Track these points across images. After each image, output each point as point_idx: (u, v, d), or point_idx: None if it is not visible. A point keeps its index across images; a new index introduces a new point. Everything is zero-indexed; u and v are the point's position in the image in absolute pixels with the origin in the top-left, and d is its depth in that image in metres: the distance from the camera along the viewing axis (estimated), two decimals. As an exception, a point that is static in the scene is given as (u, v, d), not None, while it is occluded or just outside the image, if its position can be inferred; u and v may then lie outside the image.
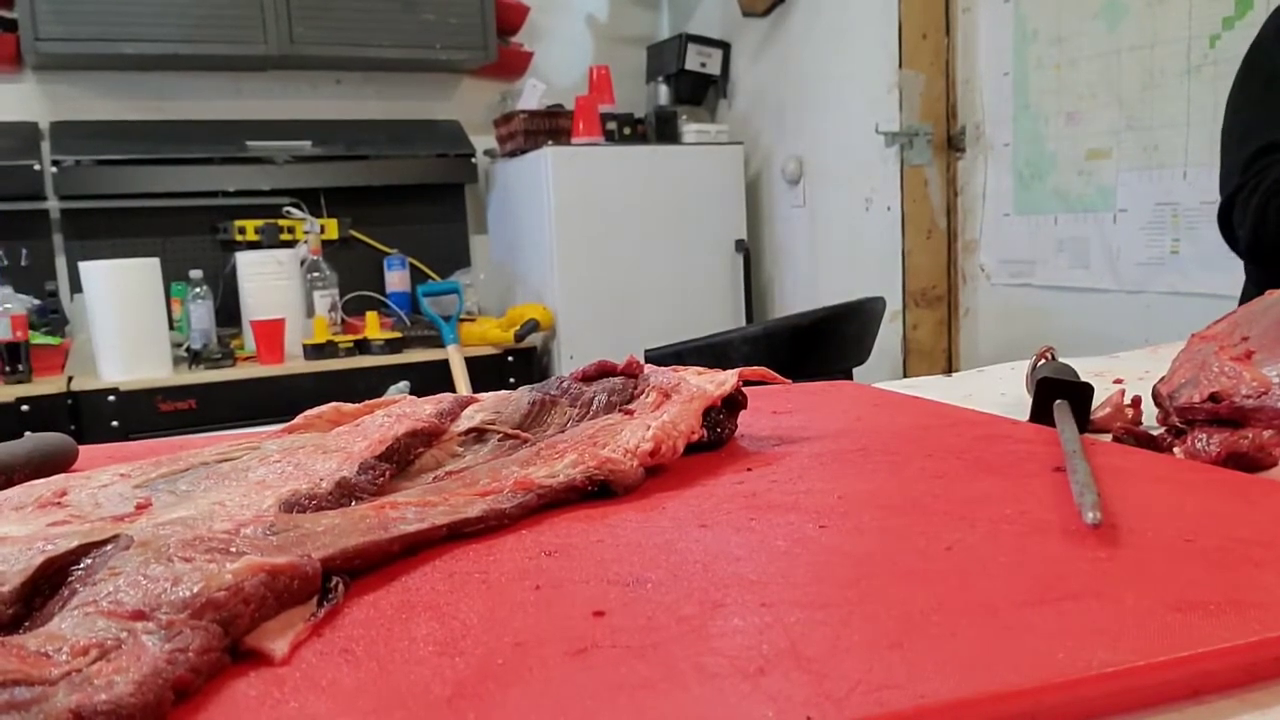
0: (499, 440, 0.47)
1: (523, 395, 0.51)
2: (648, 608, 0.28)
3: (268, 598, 0.27)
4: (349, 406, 0.50)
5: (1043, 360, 0.70)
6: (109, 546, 0.29)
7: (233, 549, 0.29)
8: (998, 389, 0.76)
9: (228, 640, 0.26)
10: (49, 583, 0.28)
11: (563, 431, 0.48)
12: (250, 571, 0.27)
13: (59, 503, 0.36)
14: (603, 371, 0.54)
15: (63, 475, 0.39)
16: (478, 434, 0.47)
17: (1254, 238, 1.27)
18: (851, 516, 0.38)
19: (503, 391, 0.53)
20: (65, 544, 0.28)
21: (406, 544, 0.34)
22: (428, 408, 0.47)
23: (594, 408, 0.50)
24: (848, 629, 0.26)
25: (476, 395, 0.52)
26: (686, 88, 3.32)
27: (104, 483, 0.38)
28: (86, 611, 0.25)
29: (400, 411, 0.47)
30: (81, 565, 0.28)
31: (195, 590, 0.26)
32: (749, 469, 0.47)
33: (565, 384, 0.52)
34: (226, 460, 0.41)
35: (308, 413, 0.49)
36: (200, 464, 0.41)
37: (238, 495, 0.35)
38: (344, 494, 0.37)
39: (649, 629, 0.26)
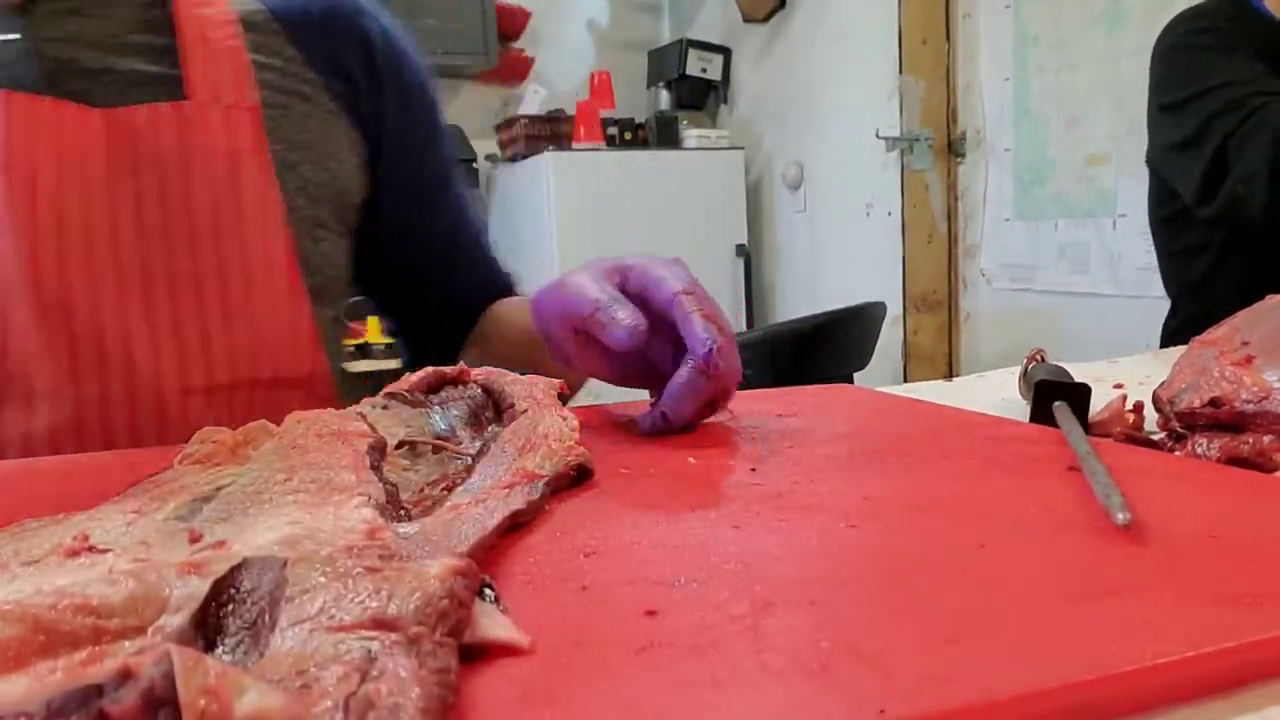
0: (433, 452, 0.46)
1: (405, 410, 0.50)
2: (699, 607, 0.29)
3: (469, 600, 0.26)
4: (228, 431, 0.45)
5: (1033, 363, 0.71)
6: (244, 572, 0.27)
7: (396, 557, 0.28)
8: (998, 394, 0.77)
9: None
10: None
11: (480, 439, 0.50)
12: (451, 574, 0.26)
13: (92, 548, 0.31)
14: (442, 380, 0.55)
15: (60, 520, 0.35)
16: (410, 447, 0.46)
17: (1274, 183, 1.10)
18: (880, 517, 0.39)
19: (366, 407, 0.50)
20: (218, 567, 0.27)
21: (499, 533, 0.35)
22: (353, 423, 0.45)
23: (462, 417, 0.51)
24: (900, 626, 0.26)
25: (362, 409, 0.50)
26: (687, 93, 3.34)
27: (124, 522, 0.34)
28: (312, 630, 0.24)
29: (335, 429, 0.44)
30: (241, 590, 0.26)
31: (418, 600, 0.25)
32: (768, 470, 0.48)
33: (418, 396, 0.52)
34: (219, 489, 0.38)
35: (202, 444, 0.43)
36: (200, 498, 0.37)
37: (297, 514, 0.33)
38: (399, 506, 0.37)
39: (704, 628, 0.27)
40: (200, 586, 0.26)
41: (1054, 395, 0.57)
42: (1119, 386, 0.73)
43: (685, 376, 0.55)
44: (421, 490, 0.42)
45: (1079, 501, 0.39)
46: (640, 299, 0.57)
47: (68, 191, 0.65)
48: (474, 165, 3.19)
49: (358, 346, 2.65)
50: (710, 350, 0.54)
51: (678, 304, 0.55)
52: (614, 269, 0.59)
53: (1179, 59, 1.31)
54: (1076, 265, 2.38)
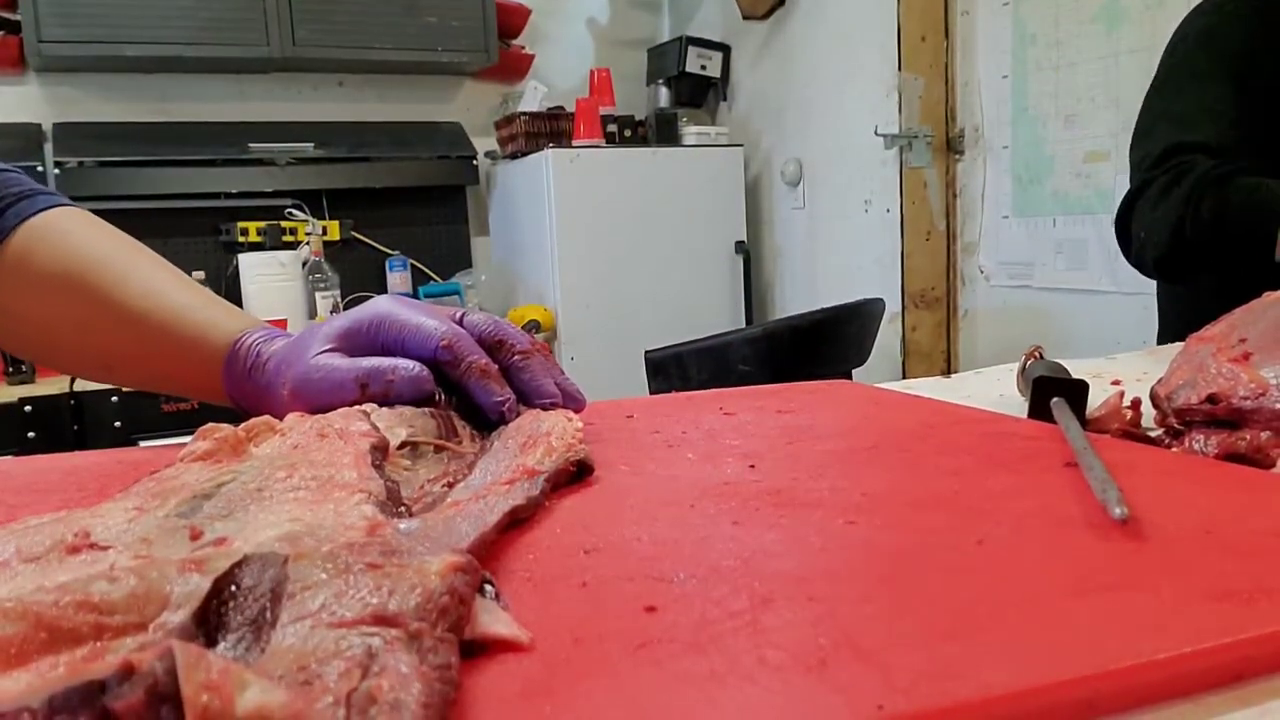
0: (434, 452, 0.46)
1: (408, 410, 0.50)
2: (698, 603, 0.29)
3: (469, 596, 0.26)
4: (230, 428, 0.45)
5: (1031, 360, 0.71)
6: (245, 568, 0.27)
7: (397, 554, 0.27)
8: (996, 390, 0.77)
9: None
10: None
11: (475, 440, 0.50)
12: (451, 570, 0.26)
13: (93, 544, 0.30)
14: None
15: (61, 517, 0.34)
16: (412, 447, 0.46)
17: (1173, 241, 1.13)
18: (878, 512, 0.39)
19: (370, 407, 0.51)
20: (220, 564, 0.26)
21: (499, 529, 0.35)
22: (356, 423, 0.44)
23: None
24: (899, 621, 0.27)
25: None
26: (687, 90, 3.33)
27: (125, 519, 0.34)
28: (313, 626, 0.23)
29: (338, 428, 0.44)
30: (242, 586, 0.26)
31: (418, 596, 0.25)
32: (767, 467, 0.48)
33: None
34: (220, 486, 0.37)
35: (205, 441, 0.43)
36: (201, 495, 0.36)
37: (298, 511, 0.33)
38: (399, 503, 0.37)
39: (703, 624, 0.27)
40: (201, 583, 0.26)
41: (1052, 391, 0.57)
42: (1116, 383, 0.73)
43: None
44: (422, 487, 0.41)
45: (1077, 497, 0.40)
46: (399, 352, 0.54)
47: None
48: (473, 162, 3.19)
49: None
50: (504, 411, 0.52)
51: (448, 367, 0.53)
52: (349, 331, 0.55)
53: (1168, 61, 1.28)
54: (1074, 262, 2.38)
